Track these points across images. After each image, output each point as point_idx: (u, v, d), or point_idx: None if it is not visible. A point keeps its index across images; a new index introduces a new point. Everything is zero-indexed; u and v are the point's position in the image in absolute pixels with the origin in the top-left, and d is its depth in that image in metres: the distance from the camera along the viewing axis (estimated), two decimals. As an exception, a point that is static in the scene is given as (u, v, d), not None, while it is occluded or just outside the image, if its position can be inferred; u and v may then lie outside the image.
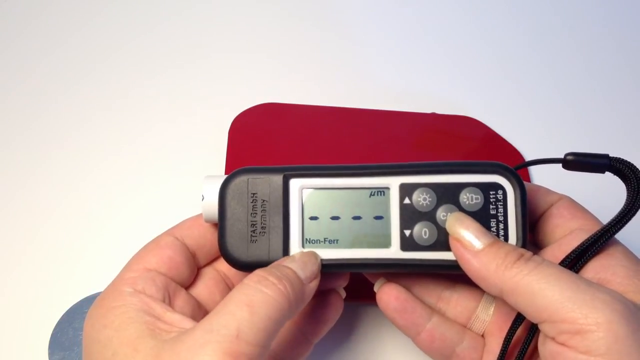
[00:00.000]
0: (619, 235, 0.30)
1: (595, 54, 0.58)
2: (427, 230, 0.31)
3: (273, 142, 0.47)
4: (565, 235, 0.31)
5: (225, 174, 0.36)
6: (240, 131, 0.46)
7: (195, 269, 0.33)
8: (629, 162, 0.31)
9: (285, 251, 0.31)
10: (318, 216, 0.31)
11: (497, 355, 0.31)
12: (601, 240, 0.30)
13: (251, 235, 0.31)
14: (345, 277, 0.34)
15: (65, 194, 0.46)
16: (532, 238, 0.34)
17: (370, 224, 0.31)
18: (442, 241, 0.31)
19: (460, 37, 0.58)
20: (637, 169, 0.30)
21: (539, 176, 0.48)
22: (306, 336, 0.33)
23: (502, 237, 0.30)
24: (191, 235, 0.32)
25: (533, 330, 0.30)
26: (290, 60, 0.55)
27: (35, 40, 0.54)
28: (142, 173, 0.47)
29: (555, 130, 0.53)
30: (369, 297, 0.34)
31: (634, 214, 0.30)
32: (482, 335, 0.34)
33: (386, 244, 0.31)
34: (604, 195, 0.35)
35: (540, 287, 0.27)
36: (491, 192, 0.31)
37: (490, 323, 0.34)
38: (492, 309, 0.34)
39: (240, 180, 0.31)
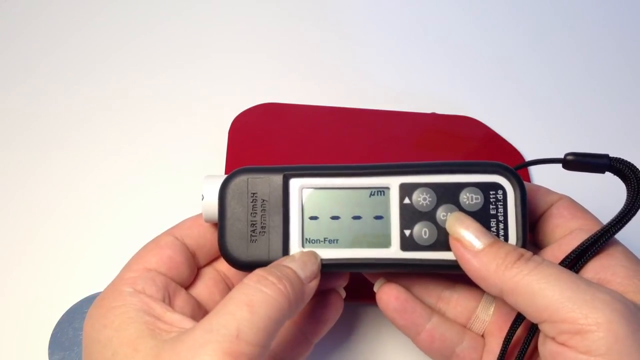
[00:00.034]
0: (619, 235, 0.30)
1: (595, 54, 0.58)
2: (427, 230, 0.31)
3: (273, 142, 0.47)
4: (565, 235, 0.31)
5: (225, 174, 0.36)
6: (240, 131, 0.46)
7: (195, 268, 0.33)
8: (629, 162, 0.31)
9: (285, 251, 0.31)
10: (318, 216, 0.31)
11: (497, 356, 0.31)
12: (601, 240, 0.30)
13: (251, 235, 0.31)
14: (345, 277, 0.34)
15: (65, 194, 0.46)
16: (532, 238, 0.34)
17: (370, 224, 0.31)
18: (442, 241, 0.31)
19: (460, 37, 0.58)
20: (637, 169, 0.30)
21: (539, 176, 0.48)
22: (306, 336, 0.33)
23: (502, 237, 0.30)
24: (191, 235, 0.32)
25: (533, 330, 0.30)
26: (290, 60, 0.55)
27: (35, 40, 0.54)
28: (142, 173, 0.47)
29: (555, 130, 0.53)
30: (369, 297, 0.34)
31: (634, 214, 0.30)
32: (482, 336, 0.34)
33: (386, 243, 0.31)
34: (604, 195, 0.35)
35: (540, 287, 0.27)
36: (491, 192, 0.31)
37: (490, 323, 0.34)
38: (492, 309, 0.34)
39: (240, 180, 0.31)
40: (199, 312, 0.31)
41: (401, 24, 0.59)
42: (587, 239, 0.30)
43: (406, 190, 0.31)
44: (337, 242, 0.31)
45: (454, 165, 0.31)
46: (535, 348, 0.30)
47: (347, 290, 0.34)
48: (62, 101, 0.51)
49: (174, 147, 0.48)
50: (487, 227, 0.30)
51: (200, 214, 0.32)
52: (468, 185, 0.31)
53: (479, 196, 0.31)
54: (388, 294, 0.33)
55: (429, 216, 0.31)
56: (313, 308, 0.33)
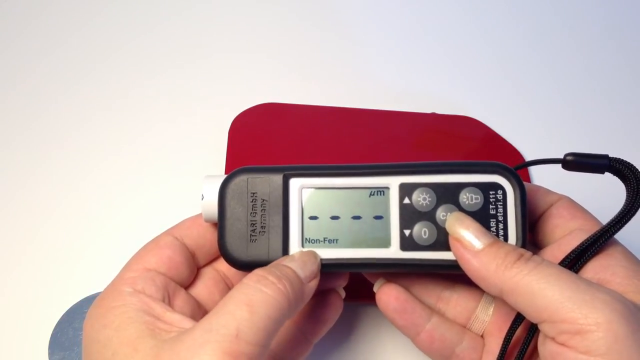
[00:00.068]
0: (618, 236, 0.30)
1: (595, 54, 0.58)
2: (426, 230, 0.31)
3: (273, 142, 0.47)
4: (564, 235, 0.31)
5: (225, 173, 0.36)
6: (240, 131, 0.46)
7: (195, 268, 0.33)
8: (629, 163, 0.31)
9: (285, 251, 0.31)
10: (318, 216, 0.31)
11: (496, 356, 0.31)
12: (601, 240, 0.30)
13: (251, 234, 0.31)
14: (344, 277, 0.34)
15: (65, 194, 0.46)
16: (532, 238, 0.34)
17: (370, 224, 0.31)
18: (442, 241, 0.31)
19: (460, 37, 0.58)
20: (637, 169, 0.30)
21: (539, 176, 0.48)
22: (306, 336, 0.33)
23: (502, 237, 0.30)
24: (190, 235, 0.32)
25: (533, 330, 0.30)
26: (290, 60, 0.55)
27: (35, 40, 0.54)
28: (142, 173, 0.47)
29: (555, 130, 0.53)
30: (369, 297, 0.34)
31: (633, 214, 0.30)
32: (482, 336, 0.34)
33: (386, 243, 0.31)
34: (604, 195, 0.35)
35: (540, 287, 0.27)
36: (491, 192, 0.31)
37: (490, 323, 0.34)
38: (492, 309, 0.34)
39: (240, 180, 0.31)
40: (199, 312, 0.31)
41: (401, 24, 0.59)
42: (587, 239, 0.30)
43: (406, 190, 0.31)
44: (336, 242, 0.31)
45: (453, 165, 0.31)
46: (535, 348, 0.30)
47: (346, 290, 0.34)
48: (62, 101, 0.51)
49: (174, 147, 0.48)
50: (487, 227, 0.30)
51: (200, 214, 0.32)
52: (468, 185, 0.31)
53: (478, 196, 0.31)
54: (388, 294, 0.33)
55: (428, 216, 0.31)
56: (313, 308, 0.33)
